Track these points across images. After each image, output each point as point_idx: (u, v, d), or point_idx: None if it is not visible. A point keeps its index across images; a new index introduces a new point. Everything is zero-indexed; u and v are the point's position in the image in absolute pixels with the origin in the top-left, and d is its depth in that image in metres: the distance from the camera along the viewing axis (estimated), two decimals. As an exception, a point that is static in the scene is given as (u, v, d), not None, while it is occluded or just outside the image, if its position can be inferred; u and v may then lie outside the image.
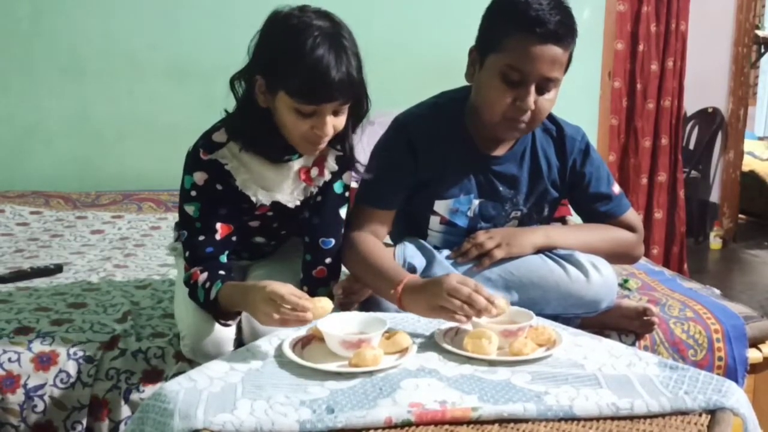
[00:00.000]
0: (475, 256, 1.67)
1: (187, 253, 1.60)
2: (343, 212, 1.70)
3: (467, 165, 1.71)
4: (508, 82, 1.57)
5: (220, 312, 1.56)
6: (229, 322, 1.59)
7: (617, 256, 1.80)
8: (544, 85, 1.58)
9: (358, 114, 1.58)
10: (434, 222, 1.75)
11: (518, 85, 1.57)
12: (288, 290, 1.36)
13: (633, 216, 1.82)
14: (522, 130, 1.64)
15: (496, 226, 1.76)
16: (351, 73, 1.45)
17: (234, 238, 1.62)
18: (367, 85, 1.54)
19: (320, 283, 1.70)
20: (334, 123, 1.50)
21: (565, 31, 1.55)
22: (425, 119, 1.72)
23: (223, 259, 1.60)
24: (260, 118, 1.53)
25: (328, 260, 1.67)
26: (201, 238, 1.58)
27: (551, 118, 1.74)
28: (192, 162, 1.58)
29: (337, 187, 1.68)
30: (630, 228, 1.80)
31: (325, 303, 1.38)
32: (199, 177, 1.57)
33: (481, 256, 1.67)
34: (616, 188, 1.81)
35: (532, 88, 1.56)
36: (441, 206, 1.73)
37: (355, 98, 1.52)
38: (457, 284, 1.38)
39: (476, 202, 1.73)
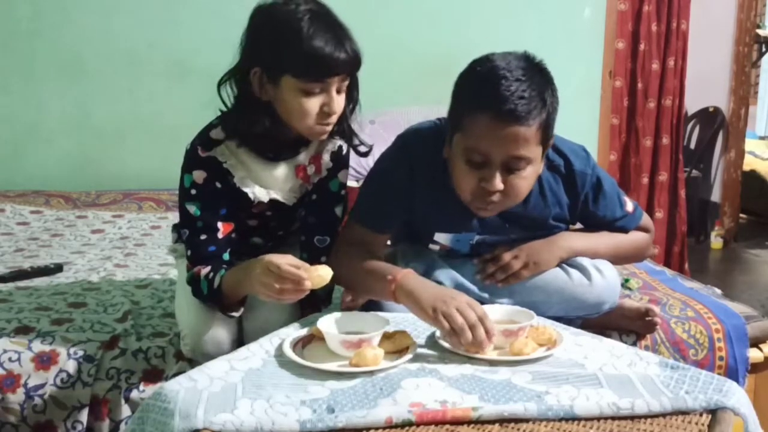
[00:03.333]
0: (502, 279, 1.62)
1: (189, 252, 1.60)
2: (338, 211, 1.70)
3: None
4: (471, 163, 1.48)
5: (225, 303, 1.56)
6: (234, 314, 1.59)
7: (632, 258, 1.81)
8: (513, 164, 1.47)
9: (351, 95, 1.60)
10: (433, 249, 1.70)
11: (483, 167, 1.47)
12: (285, 260, 1.38)
13: (646, 220, 1.79)
14: (495, 209, 1.54)
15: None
16: (352, 45, 1.50)
17: (233, 236, 1.62)
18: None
19: None
20: (339, 101, 1.53)
21: (528, 109, 1.42)
22: (430, 145, 1.62)
23: (226, 257, 1.60)
24: (261, 113, 1.53)
25: (324, 258, 1.67)
26: (203, 237, 1.58)
27: (555, 147, 1.61)
28: (190, 160, 1.58)
29: (333, 186, 1.69)
30: (643, 230, 1.78)
31: (323, 271, 1.39)
32: (199, 175, 1.57)
33: (507, 276, 1.62)
34: (629, 206, 1.74)
35: (497, 170, 1.46)
36: (442, 237, 1.68)
37: (354, 73, 1.55)
38: (467, 305, 1.36)
39: (478, 237, 1.68)
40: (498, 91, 1.42)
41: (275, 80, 1.50)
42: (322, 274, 1.38)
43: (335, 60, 1.47)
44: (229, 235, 1.61)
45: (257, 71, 1.51)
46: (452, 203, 1.61)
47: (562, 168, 1.65)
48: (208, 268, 1.55)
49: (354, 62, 1.52)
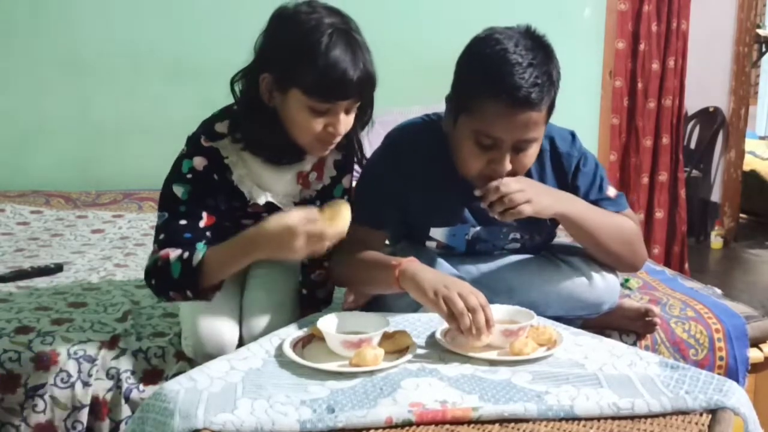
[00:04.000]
0: (501, 210, 1.50)
1: (161, 236, 1.54)
2: None
3: (461, 194, 1.62)
4: (480, 145, 1.50)
5: (200, 287, 1.49)
6: (208, 296, 1.52)
7: (618, 244, 1.66)
8: (522, 146, 1.50)
9: (364, 113, 1.57)
10: (430, 246, 1.70)
11: (492, 148, 1.49)
12: (302, 217, 1.37)
13: (630, 213, 1.76)
14: None
15: (496, 247, 1.72)
16: (368, 70, 1.46)
17: (209, 234, 1.55)
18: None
19: (319, 285, 1.70)
20: (346, 122, 1.50)
21: (541, 96, 1.44)
22: (418, 142, 1.64)
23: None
24: (265, 117, 1.51)
25: (326, 263, 1.66)
26: (183, 222, 1.53)
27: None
28: (193, 146, 1.56)
29: (337, 192, 1.68)
30: None
31: (345, 214, 1.41)
32: (199, 162, 1.54)
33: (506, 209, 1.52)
34: (611, 191, 1.71)
35: (507, 153, 1.49)
36: (437, 233, 1.68)
37: (368, 96, 1.52)
38: (470, 292, 1.37)
39: (473, 229, 1.68)
40: (512, 79, 1.43)
41: (283, 90, 1.47)
42: (345, 217, 1.41)
43: (347, 84, 1.43)
44: (208, 228, 1.55)
45: (267, 77, 1.48)
46: (444, 196, 1.62)
47: (548, 153, 1.66)
48: (179, 250, 1.49)
49: (366, 87, 1.48)
